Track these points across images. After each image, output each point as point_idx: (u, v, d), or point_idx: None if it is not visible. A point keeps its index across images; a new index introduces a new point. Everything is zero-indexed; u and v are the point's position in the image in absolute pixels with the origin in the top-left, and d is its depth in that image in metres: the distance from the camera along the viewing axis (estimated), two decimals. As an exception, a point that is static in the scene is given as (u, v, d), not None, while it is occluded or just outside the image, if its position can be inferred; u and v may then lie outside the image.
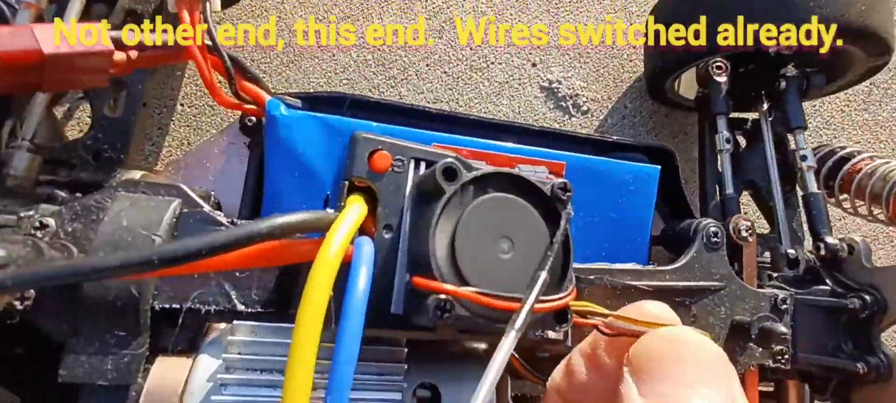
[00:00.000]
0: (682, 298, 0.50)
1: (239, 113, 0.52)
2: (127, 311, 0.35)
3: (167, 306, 0.36)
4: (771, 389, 0.57)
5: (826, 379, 0.50)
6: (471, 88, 0.77)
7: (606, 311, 0.36)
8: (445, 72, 0.77)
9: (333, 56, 0.74)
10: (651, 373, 0.23)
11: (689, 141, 0.81)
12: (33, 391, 0.39)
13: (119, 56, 0.40)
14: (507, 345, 0.25)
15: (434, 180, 0.31)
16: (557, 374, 0.29)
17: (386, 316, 0.32)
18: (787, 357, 0.50)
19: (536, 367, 0.51)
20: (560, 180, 0.34)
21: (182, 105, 0.65)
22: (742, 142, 0.70)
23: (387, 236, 0.33)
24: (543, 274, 0.28)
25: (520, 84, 0.78)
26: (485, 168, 0.32)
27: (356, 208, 0.29)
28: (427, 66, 0.77)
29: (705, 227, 0.51)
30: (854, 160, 0.56)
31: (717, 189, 0.65)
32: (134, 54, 0.41)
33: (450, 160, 0.31)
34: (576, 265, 0.48)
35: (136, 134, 0.51)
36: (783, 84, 0.60)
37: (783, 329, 0.44)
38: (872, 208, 0.55)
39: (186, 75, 0.66)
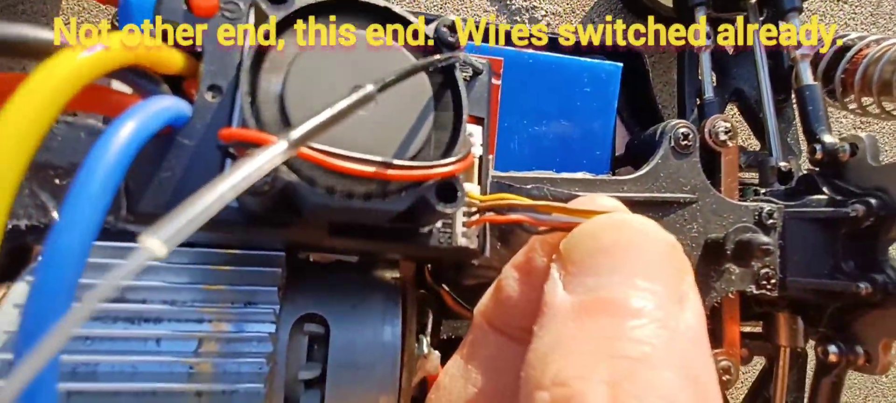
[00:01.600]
0: (644, 213, 0.42)
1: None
2: None
3: (-39, 218, 0.28)
4: (759, 330, 0.49)
5: (822, 307, 0.41)
6: (409, -2, 0.68)
7: (533, 202, 0.27)
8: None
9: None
10: (580, 265, 0.18)
11: (667, 61, 0.72)
12: None
13: None
14: (235, 178, 0.16)
15: (257, 8, 0.22)
16: (485, 297, 0.23)
17: (228, 212, 0.24)
18: (773, 282, 0.41)
19: (471, 302, 0.43)
20: (448, 18, 0.25)
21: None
22: (730, 50, 0.60)
23: (212, 100, 0.24)
24: (346, 101, 0.19)
25: (469, -5, 0.68)
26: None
27: (114, 39, 0.20)
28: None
29: (674, 128, 0.42)
30: (856, 47, 0.46)
31: (696, 100, 0.56)
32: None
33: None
34: (510, 173, 0.40)
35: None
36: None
37: (765, 239, 0.36)
38: (881, 100, 0.45)
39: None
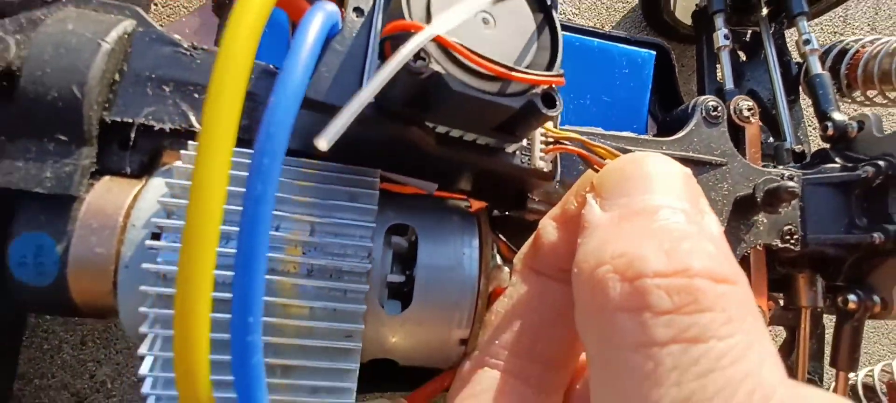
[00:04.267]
0: (682, 171, 0.47)
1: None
2: (68, 114, 0.31)
3: (118, 119, 0.33)
4: (781, 303, 0.54)
5: (840, 261, 0.46)
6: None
7: (591, 143, 0.33)
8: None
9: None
10: (612, 190, 0.21)
11: (686, 73, 0.79)
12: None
13: None
14: (395, 60, 0.21)
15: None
16: (525, 247, 0.27)
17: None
18: (796, 237, 0.46)
19: (518, 245, 0.47)
20: (549, -30, 0.31)
21: (156, 4, 0.63)
22: (742, 57, 0.68)
23: (357, 19, 0.30)
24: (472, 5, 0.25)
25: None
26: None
27: None
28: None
29: (704, 102, 0.48)
30: (855, 48, 0.54)
31: (715, 95, 0.63)
32: None
33: (425, -79, 0.28)
34: (570, 127, 0.46)
35: None
36: (782, -24, 0.59)
37: (791, 183, 0.41)
38: (884, 90, 0.52)
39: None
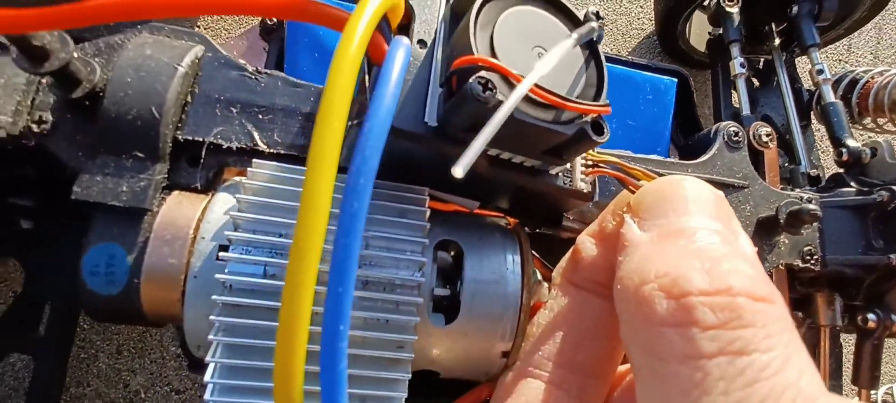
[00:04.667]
0: (706, 194, 0.49)
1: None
2: (147, 132, 0.33)
3: (190, 138, 0.35)
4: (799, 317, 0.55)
5: (858, 281, 0.48)
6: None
7: (629, 166, 0.35)
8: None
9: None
10: (650, 210, 0.22)
11: (700, 96, 0.82)
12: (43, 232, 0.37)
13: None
14: (521, 89, 0.24)
15: (471, -18, 0.30)
16: (563, 262, 0.28)
17: (420, 126, 0.31)
18: (816, 258, 0.48)
19: (552, 262, 0.49)
20: (593, 7, 0.34)
21: (200, 26, 0.66)
22: (755, 84, 0.71)
23: (420, 50, 0.32)
24: (561, 49, 0.27)
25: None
26: (519, -19, 0.32)
27: None
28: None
29: (725, 127, 0.51)
30: (865, 78, 0.57)
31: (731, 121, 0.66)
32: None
33: (486, -36, 0.31)
34: (605, 150, 0.48)
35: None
36: (794, 9, 0.62)
37: (812, 206, 0.43)
38: (894, 118, 0.55)
39: None
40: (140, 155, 0.33)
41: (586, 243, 0.27)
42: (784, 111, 0.63)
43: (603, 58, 0.34)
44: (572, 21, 0.33)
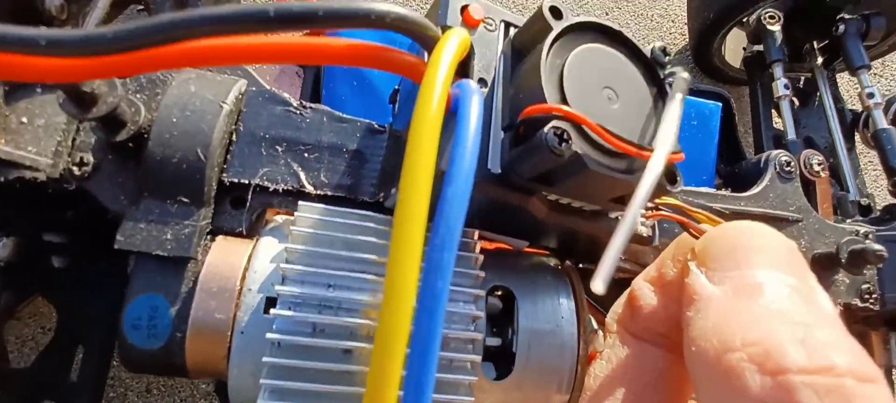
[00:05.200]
0: (760, 227, 0.47)
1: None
2: (192, 176, 0.32)
3: (235, 180, 0.34)
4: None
5: (919, 320, 0.46)
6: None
7: (692, 209, 0.34)
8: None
9: None
10: (721, 261, 0.21)
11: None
12: (79, 279, 0.36)
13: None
14: (645, 187, 0.23)
15: (540, 20, 0.29)
16: (619, 308, 0.26)
17: (483, 173, 0.29)
18: (875, 296, 0.46)
19: (600, 303, 0.47)
20: (660, 43, 0.32)
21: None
22: (795, 102, 0.68)
23: (482, 90, 0.30)
24: (676, 108, 0.26)
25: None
26: (585, 17, 0.30)
27: (461, 32, 0.27)
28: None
29: (777, 157, 0.49)
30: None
31: (773, 144, 0.63)
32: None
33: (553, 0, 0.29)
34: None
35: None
36: (841, 28, 0.59)
37: (877, 246, 0.41)
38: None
39: None
40: (185, 200, 0.32)
41: (644, 290, 0.25)
42: (828, 133, 0.61)
43: (683, 82, 0.32)
44: (637, 56, 0.32)
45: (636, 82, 0.31)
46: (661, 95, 0.32)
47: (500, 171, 0.29)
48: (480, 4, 0.32)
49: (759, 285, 0.19)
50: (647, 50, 0.32)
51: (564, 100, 0.27)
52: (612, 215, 0.34)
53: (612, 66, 0.30)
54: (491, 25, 0.32)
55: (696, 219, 0.35)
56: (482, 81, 0.31)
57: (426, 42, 0.25)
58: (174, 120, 0.32)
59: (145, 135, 0.31)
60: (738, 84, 0.77)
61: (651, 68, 0.32)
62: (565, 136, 0.25)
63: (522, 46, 0.31)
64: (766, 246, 0.21)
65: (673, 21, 0.82)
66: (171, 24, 0.19)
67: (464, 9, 0.31)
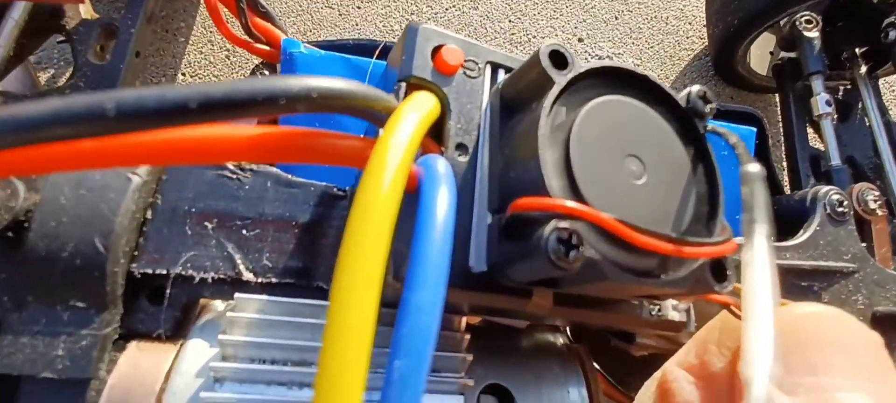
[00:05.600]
0: (807, 282, 0.40)
1: (250, 69, 0.44)
2: (89, 273, 0.25)
3: (149, 271, 0.26)
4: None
5: None
6: (509, 64, 0.69)
7: (737, 285, 0.26)
8: (481, 47, 0.69)
9: (356, 25, 0.66)
10: (788, 360, 0.17)
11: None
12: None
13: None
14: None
15: (537, 68, 0.21)
16: (647, 397, 0.21)
17: (462, 275, 0.22)
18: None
19: (621, 381, 0.40)
20: (698, 87, 0.24)
21: (184, 74, 0.57)
22: (834, 116, 0.60)
23: (461, 159, 0.23)
24: (761, 186, 0.18)
25: (563, 61, 0.69)
26: (599, 62, 0.23)
27: (426, 98, 0.19)
28: (460, 39, 0.68)
29: (827, 195, 0.41)
30: None
31: (810, 166, 0.55)
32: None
33: (556, 43, 0.21)
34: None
35: (124, 85, 0.42)
36: (892, 34, 0.51)
37: (962, 318, 0.33)
38: None
39: (190, 41, 0.58)
40: (80, 305, 0.25)
41: (682, 382, 0.20)
42: (874, 151, 0.53)
43: (713, 155, 0.24)
44: (668, 107, 0.24)
45: (668, 143, 0.23)
46: (700, 157, 0.24)
47: (486, 269, 0.22)
48: (458, 43, 0.24)
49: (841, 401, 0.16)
50: (681, 96, 0.24)
51: (572, 182, 0.20)
52: (636, 301, 0.27)
53: (636, 125, 0.22)
54: (473, 70, 0.24)
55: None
56: (461, 147, 0.23)
57: (377, 120, 0.18)
58: (64, 202, 0.25)
59: (26, 225, 0.24)
60: (765, 92, 0.68)
61: (687, 121, 0.24)
62: (574, 241, 0.18)
63: (515, 99, 0.23)
64: (846, 342, 0.17)
65: (690, 23, 0.73)
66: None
67: (436, 51, 0.23)
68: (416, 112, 0.17)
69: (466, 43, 0.25)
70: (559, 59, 0.21)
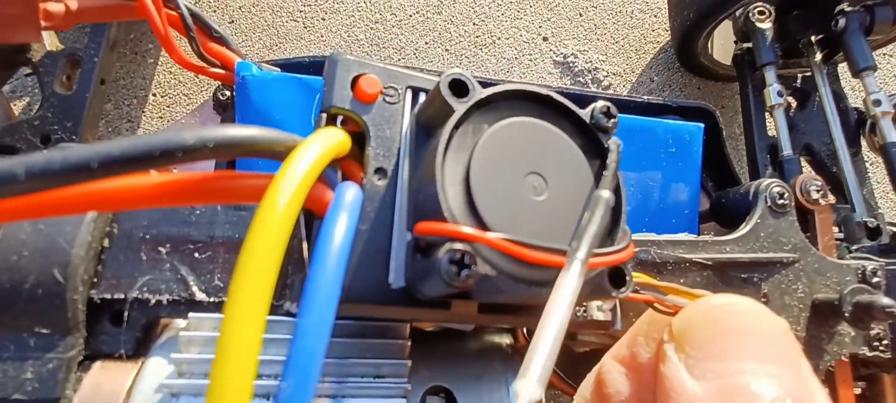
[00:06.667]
0: (748, 274, 0.41)
1: (212, 92, 0.45)
2: (50, 302, 0.27)
3: (108, 296, 0.29)
4: (858, 391, 0.47)
5: (937, 367, 0.40)
6: (476, 66, 0.70)
7: (660, 284, 0.28)
8: (447, 50, 0.70)
9: (322, 36, 0.68)
10: (703, 349, 0.18)
11: (728, 114, 0.73)
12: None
13: (54, 6, 0.33)
14: (568, 287, 0.17)
15: (439, 99, 0.23)
16: (586, 388, 0.23)
17: (382, 291, 0.24)
18: (886, 343, 0.40)
19: (570, 374, 0.42)
20: (602, 103, 0.26)
21: (154, 94, 0.59)
22: (792, 104, 0.61)
23: (379, 183, 0.25)
24: (601, 211, 0.20)
25: (531, 60, 0.71)
26: (502, 85, 0.24)
27: (330, 133, 0.21)
28: (426, 44, 0.70)
29: (768, 188, 0.42)
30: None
31: (768, 156, 0.57)
32: (73, 5, 0.34)
33: (457, 71, 0.23)
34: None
35: (90, 113, 0.44)
36: (841, 22, 0.52)
37: (886, 300, 0.35)
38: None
39: (159, 62, 0.60)
40: (44, 331, 0.27)
41: (614, 373, 0.22)
42: (829, 138, 0.54)
43: (616, 163, 0.26)
44: (574, 124, 0.26)
45: (571, 160, 0.25)
46: (604, 170, 0.26)
47: (404, 285, 0.24)
48: (378, 72, 0.26)
49: (746, 387, 0.17)
50: (585, 112, 0.26)
51: (471, 204, 0.21)
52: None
53: (538, 144, 0.24)
54: (392, 96, 0.26)
55: (664, 293, 0.29)
56: (381, 171, 0.25)
57: (282, 159, 0.19)
58: (23, 237, 0.27)
59: (-11, 260, 0.26)
60: (732, 81, 0.70)
61: (592, 137, 0.26)
62: (466, 261, 0.20)
63: (428, 124, 0.25)
64: (756, 331, 0.18)
65: (655, 15, 0.74)
66: None
67: (355, 81, 0.25)
68: (313, 147, 0.19)
69: (386, 70, 0.26)
70: (459, 88, 0.23)
